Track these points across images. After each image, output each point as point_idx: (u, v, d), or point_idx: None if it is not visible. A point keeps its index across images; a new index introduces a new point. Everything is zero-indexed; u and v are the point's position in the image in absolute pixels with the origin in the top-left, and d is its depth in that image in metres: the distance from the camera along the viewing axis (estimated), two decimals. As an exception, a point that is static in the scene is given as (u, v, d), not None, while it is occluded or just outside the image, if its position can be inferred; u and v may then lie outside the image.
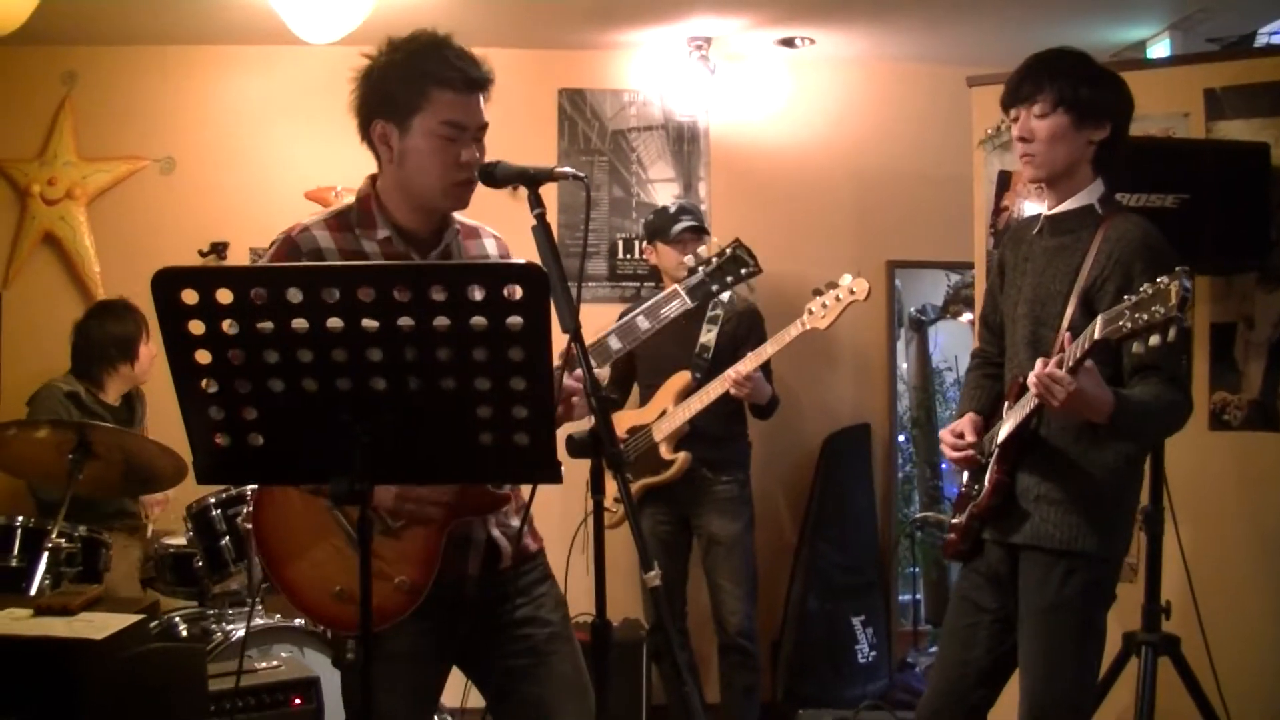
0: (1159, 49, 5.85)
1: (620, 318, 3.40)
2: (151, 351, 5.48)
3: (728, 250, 3.34)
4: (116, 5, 5.58)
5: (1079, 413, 3.08)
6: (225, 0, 5.49)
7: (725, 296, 5.22)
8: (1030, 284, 3.39)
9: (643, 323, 3.09)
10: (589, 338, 2.63)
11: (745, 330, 5.35)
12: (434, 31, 2.82)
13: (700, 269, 3.30)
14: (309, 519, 2.86)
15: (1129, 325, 2.79)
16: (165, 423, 5.48)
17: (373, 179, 2.91)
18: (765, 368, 5.16)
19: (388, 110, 2.79)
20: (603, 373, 4.82)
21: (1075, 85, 3.25)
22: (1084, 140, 3.27)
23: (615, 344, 3.06)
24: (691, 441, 5.21)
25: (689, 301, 3.20)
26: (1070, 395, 2.96)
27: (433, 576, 2.80)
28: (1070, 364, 2.96)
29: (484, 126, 2.82)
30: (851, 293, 4.77)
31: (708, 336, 5.29)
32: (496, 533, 2.93)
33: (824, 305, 4.81)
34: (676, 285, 3.23)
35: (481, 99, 2.81)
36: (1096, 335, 2.88)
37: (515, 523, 2.97)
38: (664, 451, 5.21)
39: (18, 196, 6.15)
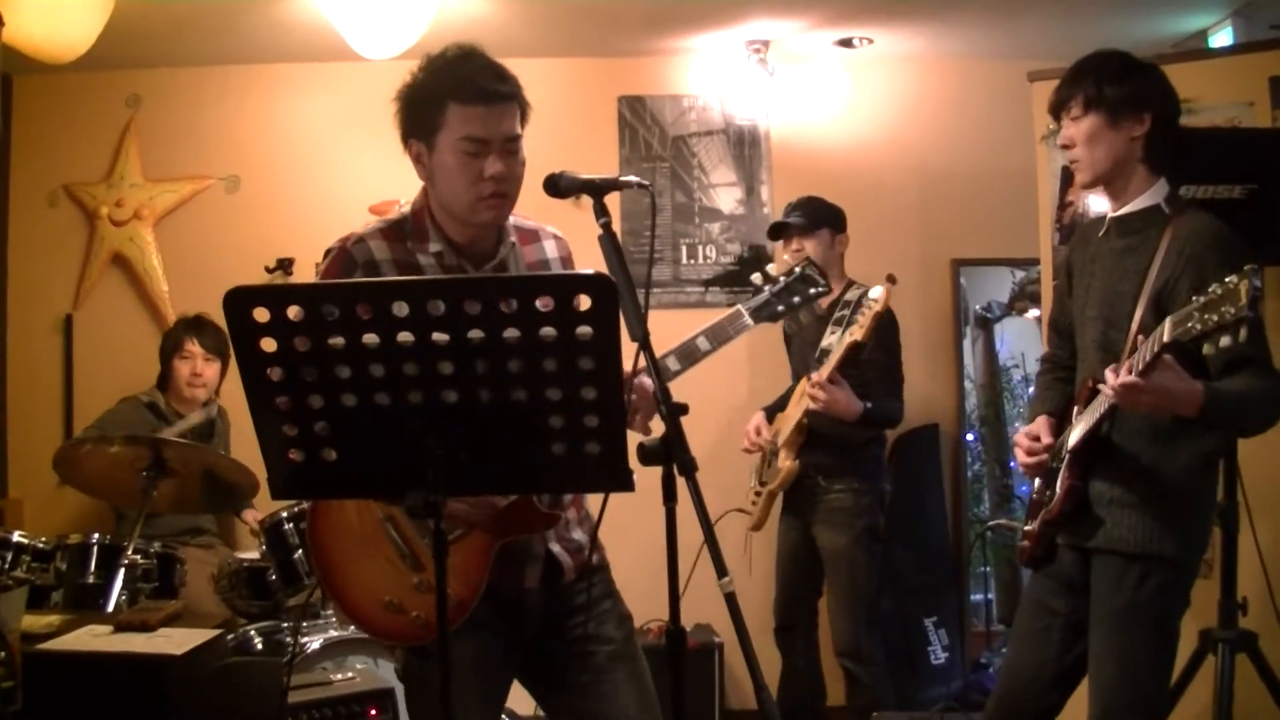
0: (1221, 38, 5.78)
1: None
2: (193, 367, 5.52)
3: (796, 269, 3.20)
4: (178, 29, 5.65)
5: (1167, 410, 3.01)
6: (285, 20, 5.55)
7: (853, 295, 5.09)
8: (1099, 286, 3.34)
9: (704, 344, 2.96)
10: (657, 346, 2.61)
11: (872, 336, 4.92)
12: (461, 45, 2.77)
13: (766, 288, 3.18)
14: (362, 531, 2.88)
15: (1198, 326, 2.71)
16: (242, 440, 5.55)
17: (426, 192, 2.87)
18: (891, 378, 5.12)
19: (417, 129, 2.76)
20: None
21: (1099, 85, 3.23)
22: (1124, 138, 3.23)
23: (674, 365, 2.96)
24: (809, 448, 5.12)
25: (750, 322, 3.09)
26: (1153, 396, 2.92)
27: (479, 590, 2.79)
28: (1141, 367, 2.91)
29: (512, 138, 2.73)
30: (876, 303, 4.72)
31: (829, 340, 5.06)
32: (557, 548, 2.91)
33: (862, 315, 4.78)
34: (740, 305, 3.11)
35: (517, 110, 2.74)
36: (1166, 338, 2.81)
37: (577, 536, 2.96)
38: (781, 458, 5.15)
39: (86, 219, 6.25)
